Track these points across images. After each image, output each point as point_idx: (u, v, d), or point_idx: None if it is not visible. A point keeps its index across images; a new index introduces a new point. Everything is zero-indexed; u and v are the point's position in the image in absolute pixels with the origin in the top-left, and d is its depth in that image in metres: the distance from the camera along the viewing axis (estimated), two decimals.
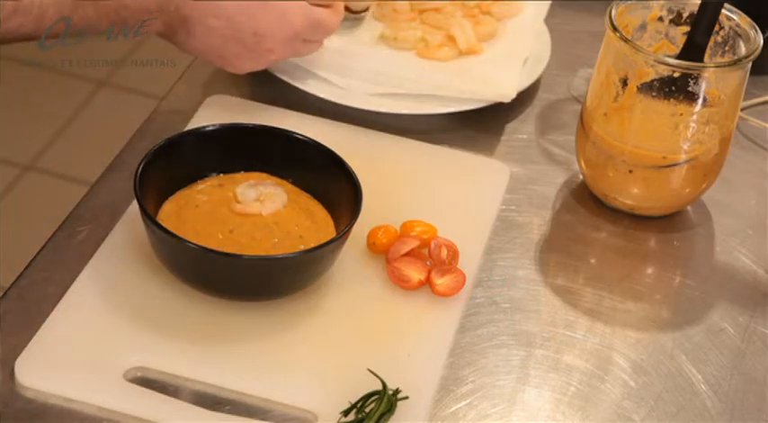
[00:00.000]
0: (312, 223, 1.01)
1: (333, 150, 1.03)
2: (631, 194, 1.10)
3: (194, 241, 0.93)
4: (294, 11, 1.11)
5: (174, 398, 0.89)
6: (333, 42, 1.24)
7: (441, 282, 1.00)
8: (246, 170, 1.05)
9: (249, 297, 0.97)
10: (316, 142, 1.04)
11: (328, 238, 0.97)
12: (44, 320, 0.93)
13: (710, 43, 1.06)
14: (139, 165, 0.98)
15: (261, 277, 0.95)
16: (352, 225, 0.97)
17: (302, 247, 0.98)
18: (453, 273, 1.01)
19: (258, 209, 1.01)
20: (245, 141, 1.05)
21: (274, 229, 1.00)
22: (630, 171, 1.08)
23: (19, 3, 0.96)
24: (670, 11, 1.11)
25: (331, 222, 1.02)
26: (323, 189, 1.03)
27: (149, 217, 0.94)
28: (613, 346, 0.99)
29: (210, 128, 1.05)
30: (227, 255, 0.94)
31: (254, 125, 1.06)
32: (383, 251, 1.02)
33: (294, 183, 1.05)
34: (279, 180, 1.05)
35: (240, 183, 1.04)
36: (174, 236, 0.93)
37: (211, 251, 0.93)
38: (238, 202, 1.02)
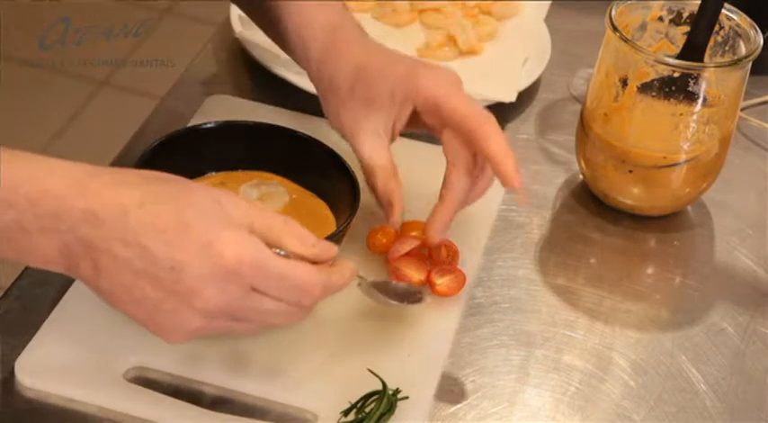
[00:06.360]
0: (314, 221, 1.01)
1: (332, 148, 1.03)
2: (631, 194, 1.10)
3: None
4: (226, 241, 0.80)
5: (174, 398, 0.89)
6: None
7: (441, 282, 1.00)
8: (247, 168, 1.05)
9: None
10: (315, 140, 1.04)
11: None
12: (44, 320, 0.93)
13: (710, 43, 1.06)
14: (138, 160, 0.98)
15: None
16: (349, 223, 0.97)
17: None
18: (453, 273, 1.00)
19: None
20: (244, 139, 1.04)
21: None
22: (630, 171, 1.08)
23: None
24: (670, 11, 1.11)
25: (333, 220, 1.02)
26: (324, 187, 1.03)
27: None
28: (613, 346, 0.99)
29: (210, 125, 1.04)
30: None
31: (254, 122, 1.05)
32: (383, 251, 1.02)
33: (296, 181, 1.04)
34: (282, 179, 1.05)
35: (243, 182, 1.04)
36: None
37: None
38: None
